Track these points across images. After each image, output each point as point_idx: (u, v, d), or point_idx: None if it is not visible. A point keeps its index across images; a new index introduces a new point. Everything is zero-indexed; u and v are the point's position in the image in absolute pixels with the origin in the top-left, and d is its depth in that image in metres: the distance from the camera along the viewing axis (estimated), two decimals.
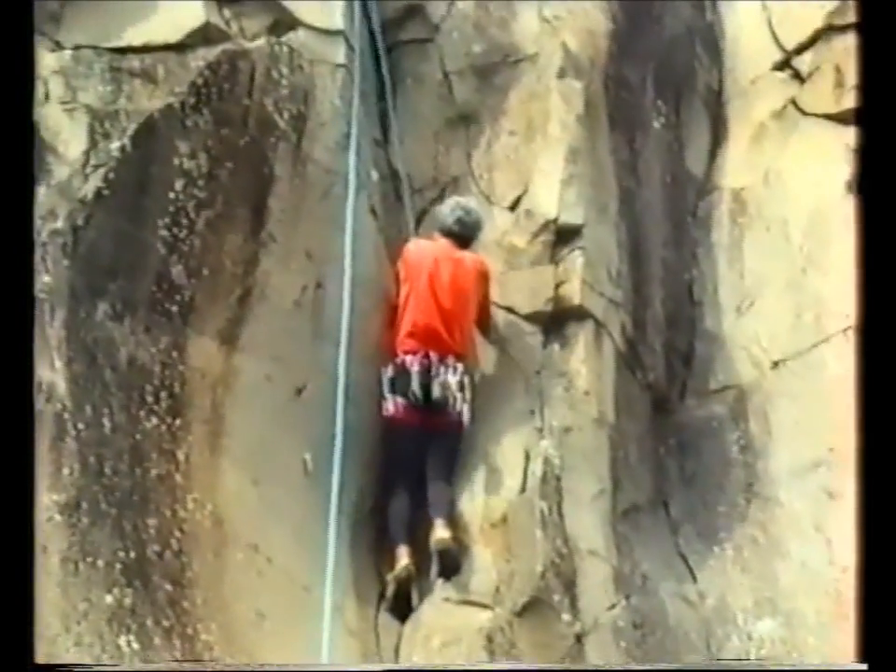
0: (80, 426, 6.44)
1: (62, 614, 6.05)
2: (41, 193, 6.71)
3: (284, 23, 7.74)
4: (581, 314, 7.82)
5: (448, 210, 7.87)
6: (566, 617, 7.08)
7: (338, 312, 7.41)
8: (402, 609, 7.25)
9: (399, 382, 7.50)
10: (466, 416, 7.49)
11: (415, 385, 7.45)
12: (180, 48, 7.37)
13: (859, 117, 7.95)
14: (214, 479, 6.82)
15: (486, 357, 7.86)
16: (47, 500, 6.22)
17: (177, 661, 6.26)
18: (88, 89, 7.16)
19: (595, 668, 7.03)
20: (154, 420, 6.69)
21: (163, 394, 6.76)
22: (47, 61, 7.18)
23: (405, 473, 7.47)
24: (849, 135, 8.16)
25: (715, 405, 8.22)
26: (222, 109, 7.24)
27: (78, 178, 6.84)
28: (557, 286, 7.84)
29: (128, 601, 6.25)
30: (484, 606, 7.11)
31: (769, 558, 7.65)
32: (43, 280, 6.53)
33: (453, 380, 7.49)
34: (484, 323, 7.81)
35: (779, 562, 7.62)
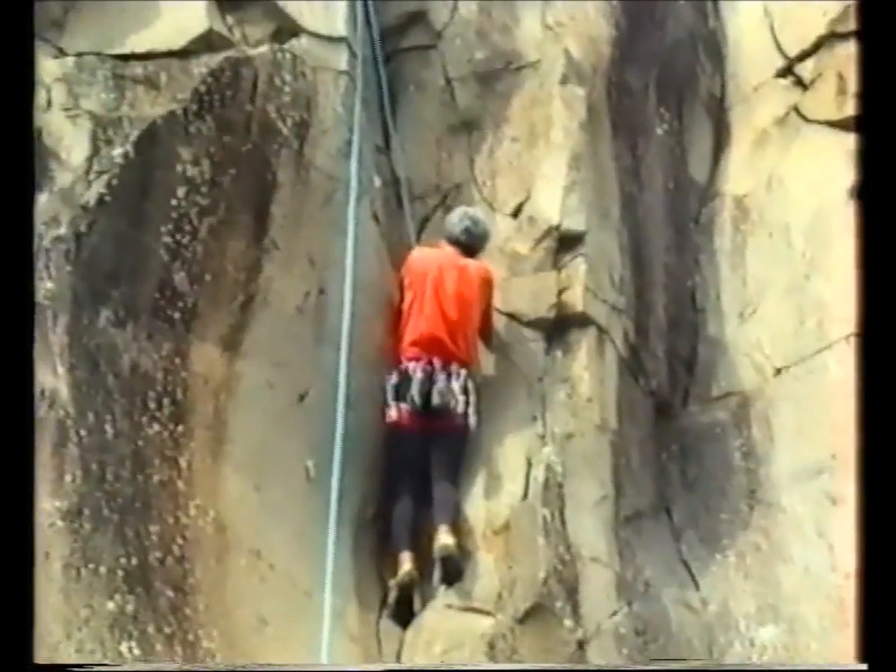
0: (83, 432, 6.44)
1: (63, 620, 6.05)
2: (44, 200, 6.72)
3: (286, 30, 7.74)
4: (583, 320, 7.83)
5: (456, 219, 7.89)
6: (568, 623, 7.08)
7: (340, 318, 7.42)
8: (404, 614, 7.25)
9: (403, 389, 7.50)
10: (472, 420, 7.49)
11: (415, 391, 7.45)
12: (183, 54, 7.37)
13: (859, 123, 7.95)
14: (216, 485, 6.82)
15: (489, 363, 7.86)
16: (49, 506, 6.22)
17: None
18: (91, 95, 7.17)
19: (594, 668, 7.02)
20: (156, 426, 6.70)
21: (166, 400, 6.76)
22: (50, 67, 7.20)
23: (408, 479, 7.47)
24: (851, 142, 8.16)
25: (717, 411, 8.21)
26: (225, 116, 7.25)
27: (81, 185, 6.85)
28: (560, 292, 7.84)
29: (130, 607, 6.25)
30: (486, 612, 7.11)
31: (772, 564, 7.65)
32: (46, 286, 6.54)
33: (456, 386, 7.50)
34: (486, 331, 7.81)
35: (782, 568, 7.62)
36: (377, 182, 7.99)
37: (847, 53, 8.40)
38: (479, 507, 7.42)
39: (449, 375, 7.52)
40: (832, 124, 8.45)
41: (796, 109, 8.68)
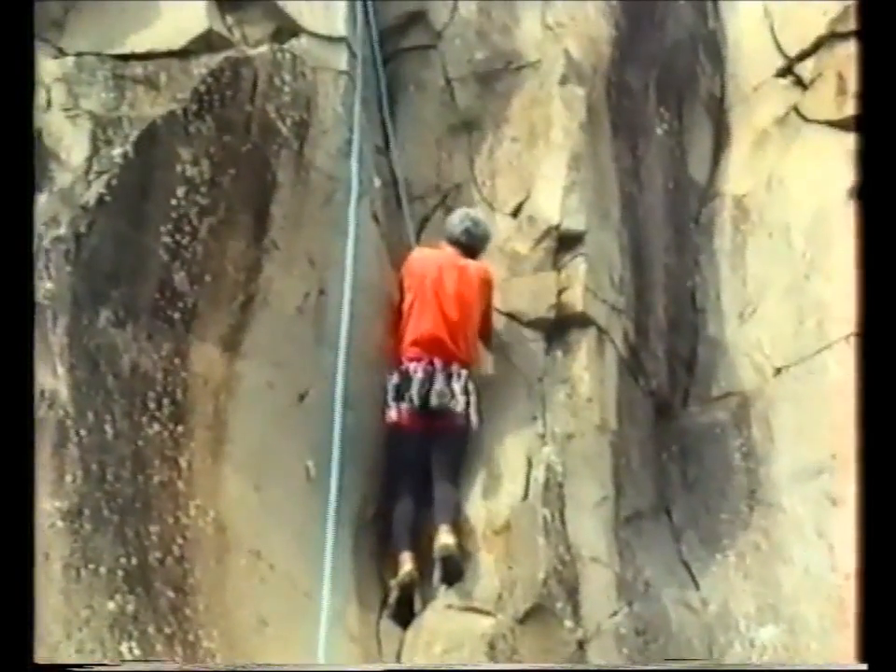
0: (83, 432, 6.44)
1: (64, 621, 6.05)
2: (43, 200, 6.72)
3: (286, 30, 7.74)
4: (583, 320, 7.83)
5: (457, 220, 7.89)
6: (568, 624, 7.08)
7: (340, 318, 7.41)
8: (405, 615, 7.25)
9: (403, 389, 7.51)
10: (474, 420, 7.50)
11: (414, 391, 7.46)
12: (183, 54, 7.37)
13: (859, 123, 7.95)
14: (216, 485, 6.82)
15: (489, 363, 7.86)
16: (49, 507, 6.22)
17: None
18: (90, 95, 7.17)
19: (594, 668, 7.02)
20: (156, 426, 6.69)
21: (166, 400, 6.76)
22: (49, 67, 7.20)
23: (409, 479, 7.47)
24: (851, 142, 8.16)
25: (717, 411, 8.21)
26: (225, 116, 7.24)
27: (81, 185, 6.85)
28: (560, 292, 7.84)
29: (130, 608, 6.25)
30: (487, 612, 7.11)
31: (772, 564, 7.64)
32: (45, 287, 6.53)
33: (457, 386, 7.50)
34: (486, 331, 7.81)
35: (782, 568, 7.62)
36: (377, 182, 7.98)
37: (847, 53, 8.40)
38: (479, 507, 7.42)
39: (450, 376, 7.53)
40: (832, 124, 8.45)
41: (796, 109, 8.68)
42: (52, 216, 6.70)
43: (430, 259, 7.81)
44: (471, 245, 7.86)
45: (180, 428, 6.77)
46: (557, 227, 7.92)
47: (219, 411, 6.95)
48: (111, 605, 6.22)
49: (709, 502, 7.96)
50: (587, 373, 7.74)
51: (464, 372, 7.56)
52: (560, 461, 7.47)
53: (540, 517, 7.28)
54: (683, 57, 9.03)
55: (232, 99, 7.30)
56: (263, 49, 7.57)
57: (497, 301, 7.88)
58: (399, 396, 7.51)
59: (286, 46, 7.65)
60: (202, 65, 7.34)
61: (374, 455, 7.52)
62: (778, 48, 8.90)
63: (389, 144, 8.29)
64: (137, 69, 7.29)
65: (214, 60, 7.36)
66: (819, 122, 8.53)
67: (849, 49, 8.34)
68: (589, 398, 7.70)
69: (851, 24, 8.36)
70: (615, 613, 7.30)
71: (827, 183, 8.27)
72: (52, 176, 6.87)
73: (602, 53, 8.49)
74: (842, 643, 7.14)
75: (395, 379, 7.55)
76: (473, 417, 7.51)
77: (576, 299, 7.82)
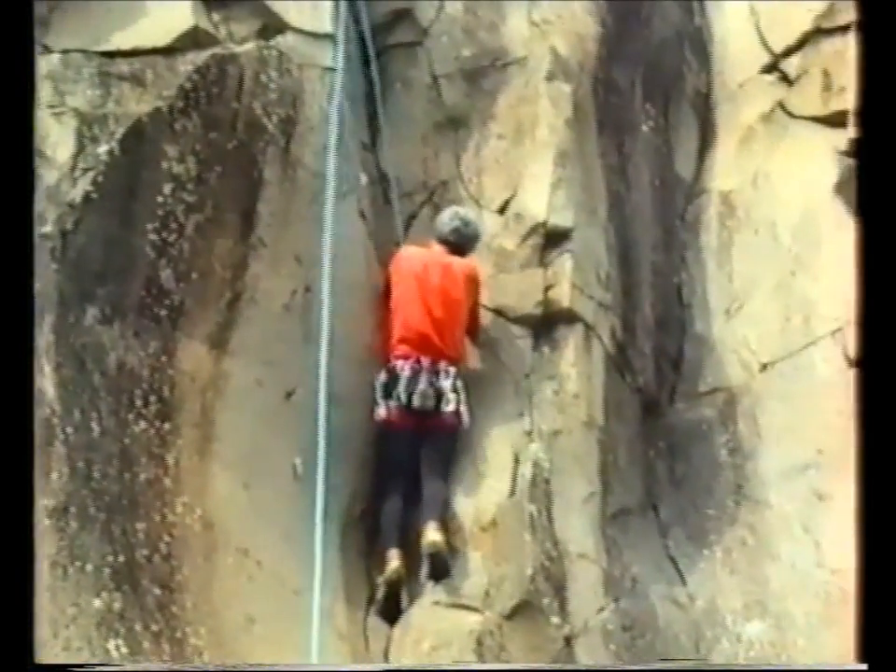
0: (69, 430, 6.43)
1: (50, 619, 6.03)
2: None
3: (272, 27, 7.72)
4: (570, 317, 7.83)
5: (447, 219, 7.89)
6: (555, 620, 7.09)
7: (327, 315, 7.41)
8: (392, 612, 7.25)
9: (391, 387, 7.51)
10: (465, 417, 7.50)
11: (402, 389, 7.46)
12: (169, 52, 7.34)
13: (858, 121, 7.92)
14: (203, 483, 6.82)
15: (476, 360, 7.86)
16: (35, 505, 6.20)
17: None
18: (76, 93, 7.14)
19: (584, 668, 7.03)
20: (143, 424, 6.68)
21: (153, 398, 6.75)
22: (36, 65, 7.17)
23: (398, 476, 7.48)
24: (837, 138, 8.19)
25: (704, 408, 8.23)
26: (211, 113, 7.23)
27: (67, 182, 6.82)
28: (546, 289, 7.85)
29: (117, 605, 6.24)
30: (474, 609, 7.11)
31: (758, 560, 7.66)
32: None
33: (446, 384, 7.51)
34: (473, 327, 7.81)
35: (769, 564, 7.64)
36: (364, 179, 7.97)
37: (833, 49, 8.43)
38: (466, 504, 7.42)
39: (437, 373, 7.53)
40: (818, 120, 8.47)
41: (782, 106, 8.69)
42: (38, 213, 6.64)
43: (416, 256, 7.82)
44: (460, 244, 7.86)
45: (167, 426, 6.76)
46: (544, 224, 7.92)
47: (207, 408, 6.94)
48: (98, 603, 6.21)
49: (696, 498, 7.98)
50: (574, 370, 7.75)
51: (452, 370, 7.57)
52: (547, 458, 7.48)
53: (527, 514, 7.29)
54: (669, 54, 9.04)
55: (219, 96, 7.28)
56: (249, 46, 7.55)
57: (484, 298, 7.88)
58: (388, 394, 7.51)
59: (272, 43, 7.63)
60: (188, 62, 7.32)
61: (362, 452, 7.52)
62: (764, 44, 8.91)
63: (376, 141, 8.28)
64: (123, 66, 7.26)
65: (200, 57, 7.33)
66: (805, 119, 8.55)
67: (835, 45, 8.37)
68: (576, 394, 7.71)
69: (837, 20, 8.39)
70: (602, 609, 7.31)
71: (813, 179, 8.29)
72: (38, 174, 6.82)
73: (588, 50, 8.49)
74: (829, 639, 7.18)
75: (383, 377, 7.55)
76: (465, 415, 7.51)
77: (563, 295, 7.82)
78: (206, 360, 7.02)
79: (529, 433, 7.59)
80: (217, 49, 7.42)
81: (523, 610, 7.08)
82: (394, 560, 7.27)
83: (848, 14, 8.19)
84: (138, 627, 6.27)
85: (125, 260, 6.83)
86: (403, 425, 7.50)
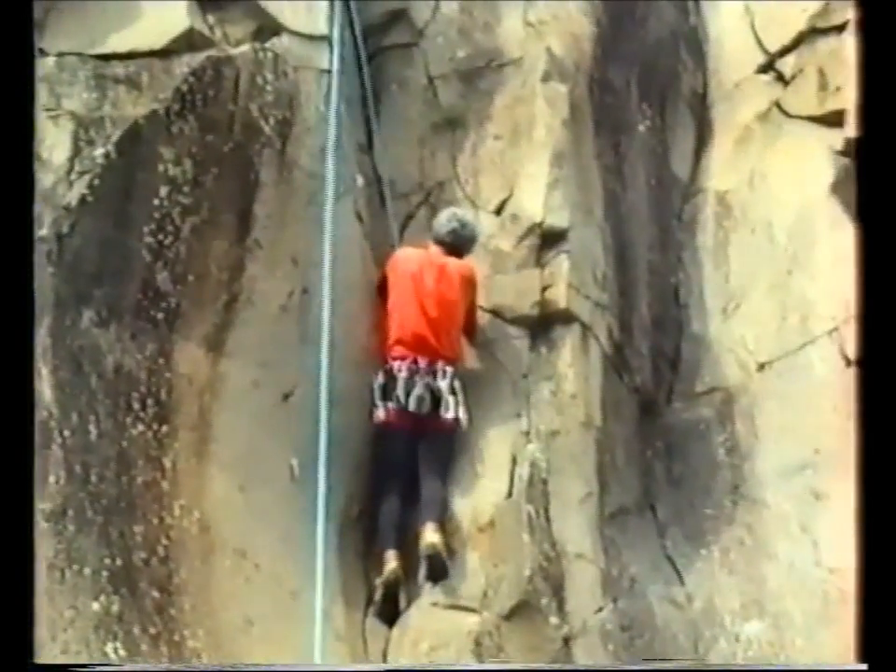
0: (66, 433, 6.42)
1: (48, 622, 6.03)
2: None
3: (268, 29, 7.72)
4: (567, 317, 7.83)
5: (444, 220, 7.90)
6: (553, 620, 7.09)
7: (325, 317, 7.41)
8: (390, 613, 7.26)
9: (389, 388, 7.51)
10: (463, 418, 7.50)
11: (400, 390, 7.47)
12: (164, 54, 7.33)
13: (857, 120, 7.93)
14: (201, 485, 6.82)
15: (473, 360, 7.86)
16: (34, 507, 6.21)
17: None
18: (72, 95, 7.13)
19: (582, 668, 7.03)
20: (140, 427, 6.68)
21: (150, 401, 6.75)
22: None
23: (396, 477, 7.48)
24: (833, 138, 8.19)
25: (702, 408, 8.23)
26: (207, 115, 7.22)
27: (63, 185, 6.82)
28: (543, 289, 7.85)
29: (115, 608, 6.25)
30: (472, 610, 7.12)
31: (756, 560, 7.67)
32: None
33: (443, 384, 7.51)
34: (470, 327, 7.82)
35: (766, 564, 7.64)
36: (360, 181, 7.98)
37: (829, 49, 8.43)
38: (464, 504, 7.42)
39: (434, 374, 7.53)
40: (813, 120, 8.46)
41: (778, 105, 8.69)
42: (34, 216, 6.66)
43: (412, 257, 7.82)
44: (457, 245, 7.87)
45: (164, 429, 6.76)
46: (540, 224, 7.92)
47: (204, 411, 6.94)
48: (96, 605, 6.21)
49: (694, 498, 7.98)
50: (571, 370, 7.75)
51: (449, 370, 7.57)
52: (545, 458, 7.48)
53: (525, 514, 7.29)
54: (665, 54, 9.03)
55: (215, 98, 7.28)
56: (245, 48, 7.54)
57: (481, 299, 7.89)
58: (386, 395, 7.52)
59: (267, 45, 7.62)
60: (183, 65, 7.31)
61: (359, 453, 7.53)
62: (759, 44, 8.90)
63: (372, 142, 8.28)
64: (119, 69, 7.25)
65: (195, 59, 7.32)
66: (800, 118, 8.54)
67: (830, 45, 8.37)
68: (573, 394, 7.71)
69: (832, 20, 8.39)
70: (600, 610, 7.32)
71: (809, 178, 8.29)
72: (34, 177, 6.83)
73: (584, 50, 8.49)
74: (827, 638, 7.18)
75: (380, 378, 7.56)
76: (463, 416, 7.51)
77: (559, 296, 7.83)
78: (203, 362, 7.02)
79: (527, 433, 7.59)
80: (212, 52, 7.41)
81: (521, 611, 7.08)
82: (392, 561, 7.28)
83: (843, 13, 8.21)
84: (136, 630, 6.27)
85: (121, 263, 6.83)
86: (402, 425, 7.50)
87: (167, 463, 6.71)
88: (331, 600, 7.08)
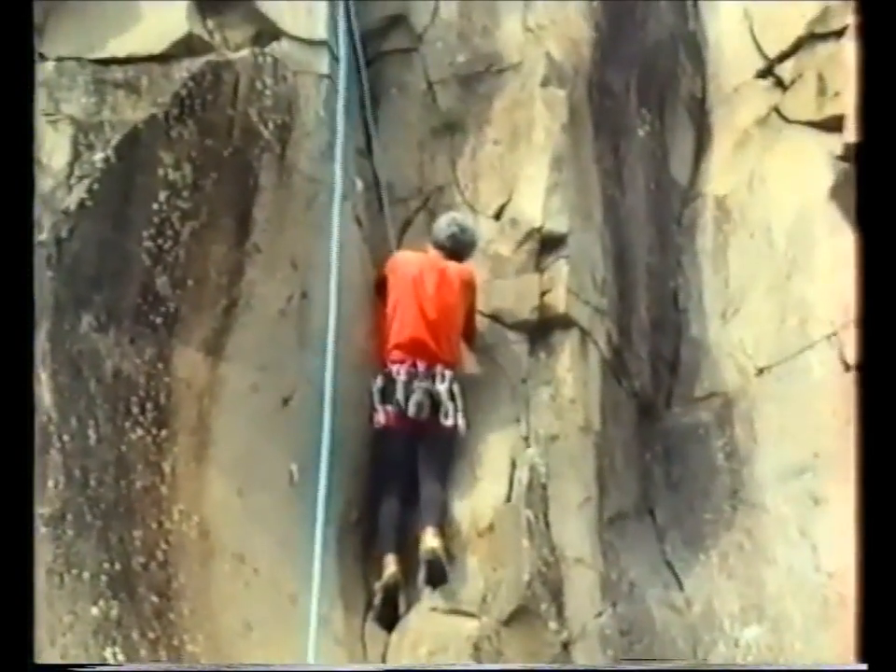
0: (65, 437, 6.43)
1: (47, 626, 6.03)
2: None
3: (267, 34, 7.72)
4: (566, 322, 7.84)
5: (444, 224, 7.90)
6: (552, 625, 7.10)
7: (323, 321, 7.40)
8: (389, 617, 7.25)
9: (388, 392, 7.51)
10: (461, 423, 7.50)
11: (399, 394, 7.47)
12: (164, 59, 7.34)
13: (857, 124, 7.94)
14: (200, 489, 6.82)
15: (472, 365, 7.86)
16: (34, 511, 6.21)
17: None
18: (71, 100, 7.14)
19: (580, 668, 7.03)
20: (139, 431, 6.68)
21: (149, 405, 6.75)
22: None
23: (395, 480, 7.47)
24: (832, 142, 8.19)
25: (701, 412, 8.24)
26: (206, 120, 7.23)
27: (62, 190, 6.82)
28: (542, 294, 7.85)
29: (114, 613, 6.25)
30: (471, 614, 7.12)
31: (755, 564, 7.67)
32: None
33: (442, 388, 7.51)
34: (469, 332, 7.82)
35: (766, 568, 7.64)
36: (359, 185, 7.98)
37: (828, 53, 8.43)
38: (463, 509, 7.42)
39: (433, 378, 7.53)
40: (812, 124, 8.47)
41: (777, 110, 8.69)
42: (34, 221, 6.67)
43: (412, 261, 7.82)
44: (456, 250, 7.87)
45: (164, 433, 6.76)
46: (539, 229, 7.93)
47: (203, 415, 6.94)
48: (95, 610, 6.21)
49: (693, 502, 7.98)
50: (570, 375, 7.76)
51: (448, 374, 7.57)
52: (544, 462, 7.49)
53: (524, 518, 7.30)
54: (664, 58, 9.04)
55: (214, 103, 7.28)
56: (244, 52, 7.54)
57: (480, 304, 7.89)
58: (385, 399, 7.51)
59: (267, 49, 7.62)
60: (183, 69, 7.31)
61: (357, 457, 7.52)
62: (759, 49, 8.91)
63: (371, 147, 8.28)
64: (118, 73, 7.26)
65: (195, 63, 7.33)
66: (799, 123, 8.54)
67: (829, 50, 8.37)
68: (572, 399, 7.72)
69: (831, 25, 8.40)
70: (600, 614, 7.32)
71: (808, 183, 8.29)
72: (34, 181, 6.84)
73: (583, 55, 8.50)
74: (826, 642, 7.18)
75: (379, 382, 7.56)
76: (461, 421, 7.51)
77: (559, 300, 7.83)
78: (202, 367, 7.02)
79: (526, 438, 7.60)
80: (212, 56, 7.41)
81: (520, 616, 7.08)
82: (391, 565, 7.28)
83: (843, 18, 8.22)
84: (135, 635, 6.27)
85: (121, 267, 6.83)
86: (401, 428, 7.50)
87: (166, 467, 6.71)
88: (330, 605, 7.08)
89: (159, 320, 6.89)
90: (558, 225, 7.95)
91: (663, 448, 8.17)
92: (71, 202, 6.78)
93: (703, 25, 9.26)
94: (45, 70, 7.17)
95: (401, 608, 7.25)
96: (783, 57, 8.74)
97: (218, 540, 6.78)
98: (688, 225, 8.77)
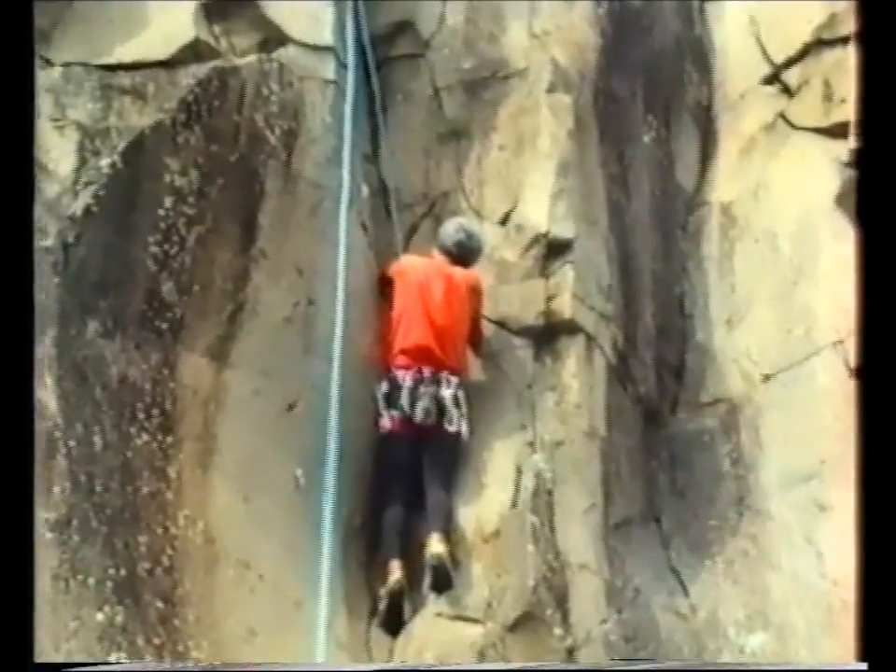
0: (71, 443, 6.43)
1: (52, 632, 6.04)
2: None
3: (273, 40, 7.73)
4: (571, 327, 7.83)
5: (451, 230, 7.90)
6: (557, 631, 7.09)
7: (329, 327, 7.40)
8: (394, 623, 7.24)
9: (393, 397, 7.51)
10: (464, 429, 7.50)
11: (404, 399, 7.47)
12: (170, 65, 7.35)
13: (859, 129, 7.95)
14: (205, 495, 6.82)
15: (477, 371, 7.86)
16: (37, 518, 6.20)
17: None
18: (78, 106, 7.15)
19: (581, 668, 7.03)
20: (145, 437, 6.69)
21: (154, 411, 6.76)
22: (37, 78, 7.17)
23: (400, 486, 7.47)
24: (838, 149, 8.19)
25: (706, 418, 8.23)
26: (212, 126, 7.24)
27: (68, 196, 6.83)
28: (548, 300, 7.85)
29: (119, 619, 6.25)
30: (476, 620, 7.11)
31: (760, 571, 7.66)
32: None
33: (447, 394, 7.51)
34: (475, 338, 7.82)
35: (771, 574, 7.63)
36: (365, 191, 7.98)
37: (834, 60, 8.42)
38: (468, 515, 7.42)
39: (439, 384, 7.53)
40: (818, 131, 8.46)
41: (783, 116, 8.69)
42: (40, 226, 6.67)
43: (419, 267, 7.83)
44: (462, 256, 7.88)
45: (169, 439, 6.76)
46: (545, 234, 7.92)
47: (208, 421, 6.94)
48: (100, 616, 6.21)
49: (698, 509, 7.98)
50: (576, 381, 7.75)
51: (454, 380, 7.57)
52: (549, 468, 7.48)
53: (529, 525, 7.29)
54: (670, 64, 9.04)
55: (220, 109, 7.29)
56: (251, 58, 7.55)
57: (486, 309, 7.89)
58: (390, 404, 7.52)
59: (273, 55, 7.64)
60: (189, 75, 7.33)
61: (362, 462, 7.52)
62: (765, 55, 8.91)
63: (377, 153, 8.29)
64: (124, 79, 7.27)
65: (201, 69, 7.34)
66: (805, 129, 8.54)
67: (836, 56, 8.36)
68: (578, 405, 7.71)
69: (837, 31, 8.39)
70: (605, 621, 7.31)
71: (814, 190, 8.29)
72: (40, 187, 6.84)
73: (589, 61, 8.50)
74: (831, 649, 7.17)
75: (384, 387, 7.56)
76: (464, 428, 7.51)
77: (564, 306, 7.83)
78: (207, 373, 7.02)
79: (531, 444, 7.59)
80: (218, 62, 7.43)
81: (525, 622, 7.07)
82: (396, 571, 7.27)
83: (849, 25, 8.20)
84: (140, 640, 6.28)
85: (126, 273, 6.84)
86: (407, 433, 7.50)
87: (171, 473, 6.72)
88: (334, 610, 7.07)
89: (164, 326, 6.90)
90: (564, 231, 7.94)
91: (668, 454, 8.17)
92: (77, 207, 6.79)
93: (709, 31, 9.26)
94: (51, 76, 7.19)
95: (406, 613, 7.24)
96: (789, 63, 8.74)
97: (223, 546, 6.78)
98: (693, 231, 8.76)
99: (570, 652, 7.08)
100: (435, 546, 7.22)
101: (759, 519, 7.80)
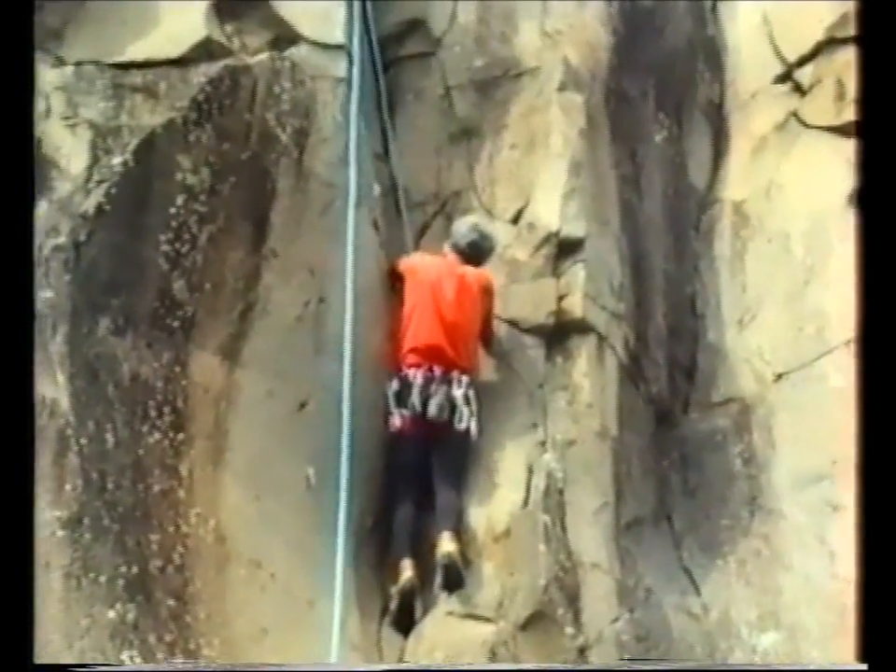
0: (83, 441, 6.44)
1: (64, 630, 6.06)
2: (43, 209, 6.72)
3: (285, 38, 7.74)
4: (583, 327, 7.83)
5: (465, 230, 7.89)
6: (569, 631, 7.08)
7: (340, 326, 7.39)
8: (405, 622, 7.24)
9: (404, 395, 7.51)
10: (474, 429, 7.49)
11: (415, 397, 7.46)
12: (182, 63, 7.37)
13: (859, 129, 7.95)
14: (216, 494, 6.82)
15: (489, 370, 7.86)
16: (49, 516, 6.24)
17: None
18: (89, 104, 7.16)
19: (597, 668, 7.02)
20: (156, 435, 6.70)
21: (166, 409, 6.77)
22: (49, 77, 7.19)
23: (411, 485, 7.47)
24: (850, 148, 8.16)
25: (718, 418, 8.21)
26: (224, 124, 7.25)
27: (80, 194, 6.85)
28: (559, 299, 7.84)
29: (130, 617, 6.26)
30: (488, 619, 7.11)
31: (772, 571, 7.65)
32: (45, 296, 6.55)
33: (458, 393, 7.51)
34: (486, 337, 7.81)
35: (783, 574, 7.62)
36: (376, 190, 7.98)
37: (846, 59, 8.40)
38: (479, 514, 7.41)
39: (450, 383, 7.53)
40: (831, 130, 8.45)
41: (795, 115, 8.68)
42: (52, 225, 6.71)
43: (430, 265, 7.83)
44: (474, 256, 7.87)
45: (180, 437, 6.77)
46: (557, 234, 7.92)
47: (219, 419, 6.95)
48: (111, 613, 6.23)
49: (710, 509, 7.96)
50: (587, 380, 7.74)
51: (465, 379, 7.56)
52: (560, 468, 7.47)
53: (541, 524, 7.28)
54: (682, 63, 9.03)
55: (231, 107, 7.30)
56: (262, 56, 7.56)
57: (497, 308, 7.88)
58: (401, 402, 7.51)
59: (285, 54, 7.64)
60: (200, 74, 7.34)
61: (373, 462, 7.51)
62: (777, 54, 8.89)
63: (389, 151, 8.29)
64: (136, 78, 7.28)
65: (213, 68, 7.35)
66: (818, 128, 8.53)
67: (848, 55, 8.34)
68: (589, 404, 7.70)
69: (849, 30, 8.36)
70: (616, 620, 7.30)
71: (826, 189, 8.27)
72: (52, 186, 6.87)
73: (601, 60, 8.49)
74: (843, 649, 7.13)
75: (395, 386, 7.55)
76: (474, 427, 7.50)
77: (575, 305, 7.82)
78: (219, 371, 7.02)
79: (543, 443, 7.59)
80: (229, 61, 7.44)
81: (536, 621, 7.07)
82: (407, 570, 7.26)
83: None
84: (152, 638, 6.28)
85: (138, 272, 6.86)
86: (417, 432, 7.50)
87: (183, 471, 6.73)
88: (346, 609, 7.06)
89: (176, 324, 6.91)
90: (575, 230, 7.94)
91: (680, 454, 8.15)
92: (89, 206, 6.81)
93: (721, 30, 9.24)
94: (63, 74, 7.21)
95: (418, 613, 7.24)
96: (802, 62, 8.73)
97: (235, 545, 6.78)
98: (705, 231, 8.75)
99: (582, 652, 7.07)
100: (446, 545, 7.22)
101: (771, 519, 7.78)
